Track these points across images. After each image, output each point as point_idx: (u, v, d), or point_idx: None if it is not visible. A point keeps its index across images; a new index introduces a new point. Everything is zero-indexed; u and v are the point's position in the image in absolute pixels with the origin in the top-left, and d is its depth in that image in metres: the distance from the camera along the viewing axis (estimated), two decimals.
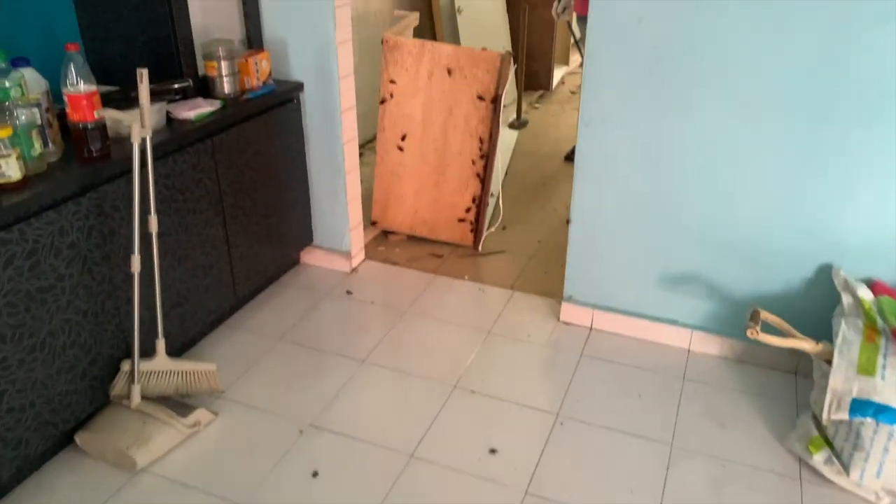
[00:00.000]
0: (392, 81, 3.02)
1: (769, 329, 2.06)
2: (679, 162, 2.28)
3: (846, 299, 2.10)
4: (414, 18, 3.30)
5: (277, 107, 2.60)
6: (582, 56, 2.38)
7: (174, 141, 2.16)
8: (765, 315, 2.09)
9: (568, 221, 2.54)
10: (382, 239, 3.31)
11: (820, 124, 2.08)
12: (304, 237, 2.95)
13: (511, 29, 5.26)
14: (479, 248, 3.22)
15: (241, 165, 2.45)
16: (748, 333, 2.00)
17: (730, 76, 2.11)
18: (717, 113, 2.17)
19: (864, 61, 1.96)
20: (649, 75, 2.19)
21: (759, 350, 2.40)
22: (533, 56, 5.28)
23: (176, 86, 2.26)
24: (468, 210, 3.18)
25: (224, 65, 2.39)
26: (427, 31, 4.70)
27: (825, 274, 2.23)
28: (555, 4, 4.16)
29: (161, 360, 2.12)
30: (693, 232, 2.36)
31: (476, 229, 3.21)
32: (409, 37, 3.28)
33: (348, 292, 2.86)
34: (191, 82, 2.27)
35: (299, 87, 2.70)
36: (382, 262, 3.11)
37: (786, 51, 2.03)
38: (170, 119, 2.23)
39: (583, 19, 3.94)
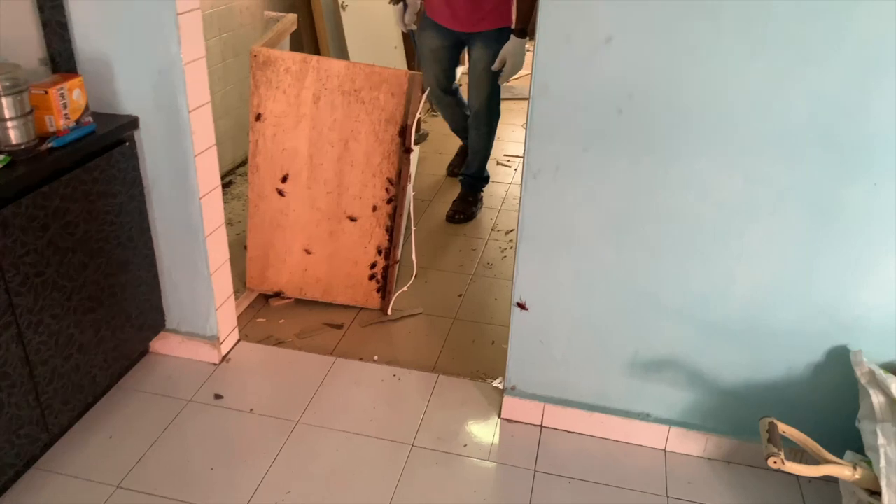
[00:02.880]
0: (263, 108, 2.30)
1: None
2: (655, 224, 1.73)
3: (876, 399, 1.63)
4: (290, 22, 2.59)
5: (100, 154, 1.84)
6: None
7: None
8: (783, 428, 1.59)
9: (521, 306, 1.92)
10: (262, 305, 2.59)
11: (838, 179, 1.58)
12: (154, 321, 2.19)
13: None
14: (389, 311, 2.57)
15: (43, 248, 1.68)
16: (770, 463, 1.49)
17: (724, 116, 1.58)
18: (707, 164, 1.63)
19: None
20: (618, 114, 1.62)
21: (750, 447, 1.93)
22: None
23: None
24: (373, 265, 2.52)
25: (6, 102, 1.61)
26: (306, 31, 3.97)
27: (839, 358, 1.76)
28: (398, 12, 3.20)
29: None
30: (671, 309, 1.82)
31: (384, 288, 2.56)
32: (287, 46, 2.57)
33: (217, 396, 2.13)
34: None
35: (133, 123, 1.94)
36: (263, 341, 2.39)
37: (797, 85, 1.51)
38: None
39: (429, 23, 3.07)
